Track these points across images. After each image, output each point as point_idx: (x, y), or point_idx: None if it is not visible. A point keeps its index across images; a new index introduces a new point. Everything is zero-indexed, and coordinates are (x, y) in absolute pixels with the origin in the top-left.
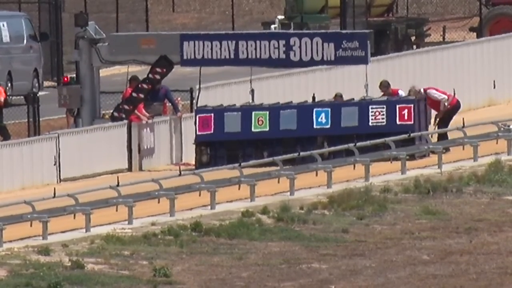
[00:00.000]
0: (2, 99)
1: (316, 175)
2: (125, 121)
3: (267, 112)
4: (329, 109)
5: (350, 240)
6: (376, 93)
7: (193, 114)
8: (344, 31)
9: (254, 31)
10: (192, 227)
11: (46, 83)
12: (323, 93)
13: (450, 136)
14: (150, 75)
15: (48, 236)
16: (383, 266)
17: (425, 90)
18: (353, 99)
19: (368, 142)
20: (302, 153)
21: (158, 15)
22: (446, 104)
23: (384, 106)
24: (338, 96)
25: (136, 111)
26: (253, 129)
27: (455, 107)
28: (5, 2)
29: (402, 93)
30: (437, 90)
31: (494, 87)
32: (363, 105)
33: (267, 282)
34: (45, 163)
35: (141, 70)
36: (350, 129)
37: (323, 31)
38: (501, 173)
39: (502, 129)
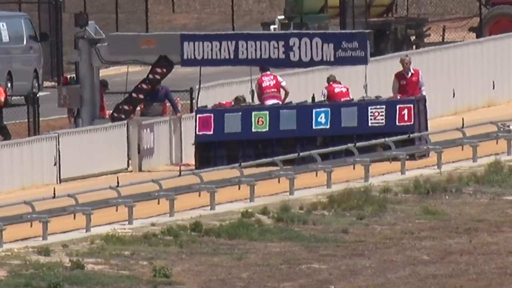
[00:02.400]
0: (2, 99)
1: (316, 175)
2: (125, 122)
3: (267, 112)
4: (329, 110)
5: (350, 240)
6: (375, 94)
7: (193, 114)
8: (343, 32)
9: (254, 31)
10: (192, 228)
11: (46, 83)
12: None
13: (450, 136)
14: (150, 76)
15: (48, 237)
16: (383, 266)
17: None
18: (353, 99)
19: (368, 142)
20: (301, 153)
21: (158, 15)
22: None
23: (384, 107)
24: (332, 80)
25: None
26: (253, 129)
27: None
28: (5, 2)
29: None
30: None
31: (494, 88)
32: (363, 106)
33: (267, 283)
34: (45, 163)
35: (141, 70)
36: (350, 130)
37: (322, 31)
38: (501, 174)
39: (501, 129)
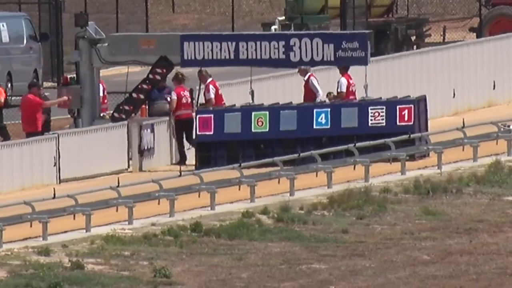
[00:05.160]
0: (2, 100)
1: (316, 175)
2: (125, 122)
3: (267, 113)
4: (329, 110)
5: (350, 240)
6: (375, 94)
7: (193, 114)
8: (344, 32)
9: (254, 31)
10: (192, 228)
11: (46, 84)
12: (323, 93)
13: (450, 136)
14: (150, 76)
15: (48, 237)
16: (383, 267)
17: (310, 75)
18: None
19: (368, 143)
20: (302, 154)
21: (158, 15)
22: (320, 99)
23: (384, 107)
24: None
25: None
26: (253, 130)
27: None
28: (5, 3)
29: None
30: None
31: (494, 88)
32: (363, 106)
33: (267, 283)
34: (45, 164)
35: (141, 71)
36: (350, 130)
37: (323, 31)
38: (501, 174)
39: (502, 129)
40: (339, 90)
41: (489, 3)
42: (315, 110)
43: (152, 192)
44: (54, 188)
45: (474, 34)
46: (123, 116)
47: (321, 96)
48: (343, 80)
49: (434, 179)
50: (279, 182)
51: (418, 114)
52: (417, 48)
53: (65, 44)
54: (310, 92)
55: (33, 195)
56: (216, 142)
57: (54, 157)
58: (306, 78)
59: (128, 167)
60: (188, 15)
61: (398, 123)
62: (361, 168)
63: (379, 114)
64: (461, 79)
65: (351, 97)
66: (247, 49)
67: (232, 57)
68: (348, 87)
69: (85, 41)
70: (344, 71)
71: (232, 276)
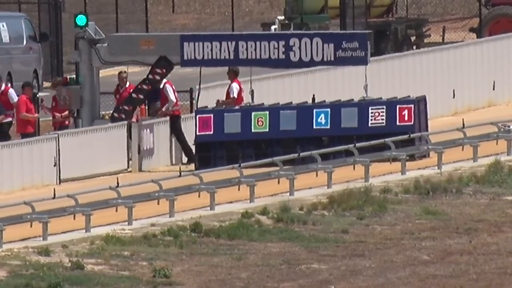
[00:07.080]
0: None
1: (316, 175)
2: (125, 122)
3: (267, 113)
4: (329, 110)
5: (350, 240)
6: (375, 94)
7: (193, 114)
8: (344, 32)
9: (254, 31)
10: (191, 228)
11: (45, 84)
12: (323, 94)
13: (450, 136)
14: (150, 76)
15: (48, 237)
16: (383, 267)
17: (165, 83)
18: (353, 99)
19: (368, 143)
20: (302, 154)
21: (158, 15)
22: (170, 108)
23: (384, 107)
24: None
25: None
26: (253, 130)
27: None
28: (5, 3)
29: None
30: (174, 90)
31: (494, 88)
32: (363, 106)
33: (267, 283)
34: (45, 164)
35: (140, 71)
36: (350, 130)
37: (323, 31)
38: (501, 174)
39: (502, 129)
40: (231, 96)
41: (489, 3)
42: (315, 110)
43: (152, 192)
44: (54, 188)
45: (474, 34)
46: (123, 116)
47: (172, 103)
48: (235, 86)
49: (434, 179)
50: (278, 182)
51: (418, 114)
52: (417, 48)
53: (65, 44)
54: (164, 98)
55: (33, 195)
56: (216, 142)
57: (54, 157)
58: (162, 85)
59: (128, 167)
60: (188, 15)
61: (398, 123)
62: (361, 168)
63: (379, 114)
64: (461, 79)
65: (242, 102)
66: (247, 49)
67: (232, 57)
68: (239, 93)
69: (85, 41)
70: (234, 76)
71: (231, 276)
